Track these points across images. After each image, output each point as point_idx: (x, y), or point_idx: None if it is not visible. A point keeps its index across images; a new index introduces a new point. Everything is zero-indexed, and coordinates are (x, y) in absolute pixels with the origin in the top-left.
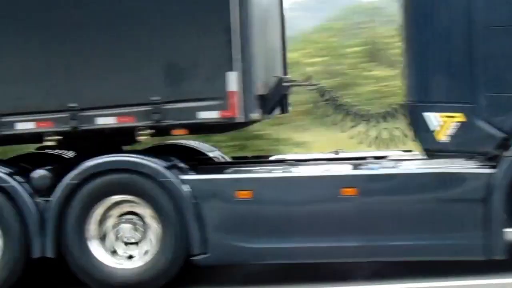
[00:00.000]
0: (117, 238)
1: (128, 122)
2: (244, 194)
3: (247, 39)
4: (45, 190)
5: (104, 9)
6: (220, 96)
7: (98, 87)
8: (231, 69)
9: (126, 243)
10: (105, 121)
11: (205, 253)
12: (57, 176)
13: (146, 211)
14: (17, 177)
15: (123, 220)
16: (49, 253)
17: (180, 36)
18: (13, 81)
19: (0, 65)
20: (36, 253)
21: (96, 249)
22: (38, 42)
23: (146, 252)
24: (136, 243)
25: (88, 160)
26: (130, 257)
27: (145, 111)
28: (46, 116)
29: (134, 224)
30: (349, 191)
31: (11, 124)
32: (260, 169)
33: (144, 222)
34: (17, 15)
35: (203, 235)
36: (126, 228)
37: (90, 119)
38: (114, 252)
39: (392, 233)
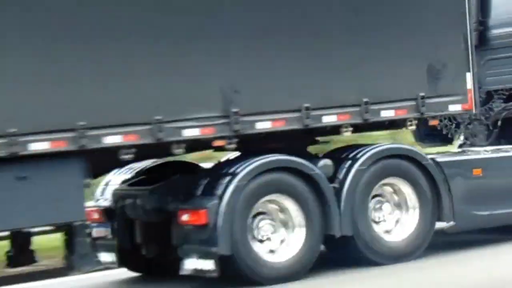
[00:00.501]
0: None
1: (402, 115)
2: (477, 172)
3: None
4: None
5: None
6: (462, 92)
7: (382, 84)
8: (468, 71)
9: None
10: (387, 114)
11: (451, 222)
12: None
13: (407, 189)
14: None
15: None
16: (348, 232)
17: (438, 43)
18: None
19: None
20: (337, 233)
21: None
22: None
23: None
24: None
25: (374, 147)
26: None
27: (415, 104)
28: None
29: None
30: None
31: (318, 118)
32: (487, 150)
33: (404, 199)
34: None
35: (451, 206)
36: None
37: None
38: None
39: None
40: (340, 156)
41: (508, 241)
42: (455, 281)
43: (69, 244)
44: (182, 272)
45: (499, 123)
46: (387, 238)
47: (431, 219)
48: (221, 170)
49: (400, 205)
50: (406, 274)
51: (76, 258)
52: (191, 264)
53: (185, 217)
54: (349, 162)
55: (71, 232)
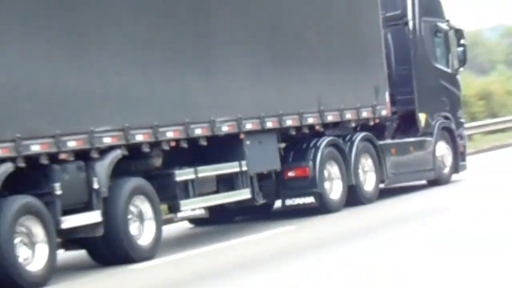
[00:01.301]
0: None
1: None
2: (393, 151)
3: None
4: None
5: None
6: (384, 103)
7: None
8: (387, 90)
9: None
10: (349, 116)
11: (386, 180)
12: None
13: (368, 159)
14: None
15: None
16: None
17: (376, 74)
18: None
19: None
20: None
21: None
22: None
23: None
24: None
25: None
26: None
27: (364, 110)
28: None
29: None
30: None
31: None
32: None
33: None
34: None
35: (386, 170)
36: None
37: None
38: None
39: None
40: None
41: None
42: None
43: None
44: (284, 207)
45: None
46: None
47: (379, 178)
48: (302, 144)
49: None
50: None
51: None
52: (292, 202)
53: (291, 173)
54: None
55: None
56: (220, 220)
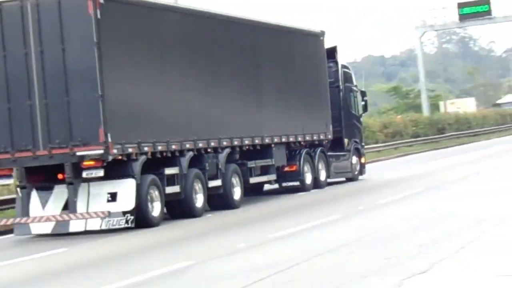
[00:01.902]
0: None
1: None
2: (331, 158)
3: None
4: None
5: None
6: (328, 127)
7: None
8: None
9: None
10: (308, 138)
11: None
12: None
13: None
14: None
15: None
16: None
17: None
18: None
19: None
20: None
21: None
22: None
23: None
24: None
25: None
26: None
27: (317, 133)
28: None
29: None
30: None
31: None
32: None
33: None
34: None
35: (329, 169)
36: None
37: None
38: None
39: None
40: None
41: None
42: None
43: None
44: (281, 187)
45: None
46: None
47: (327, 174)
48: (293, 152)
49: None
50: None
51: None
52: (286, 184)
53: (287, 168)
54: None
55: None
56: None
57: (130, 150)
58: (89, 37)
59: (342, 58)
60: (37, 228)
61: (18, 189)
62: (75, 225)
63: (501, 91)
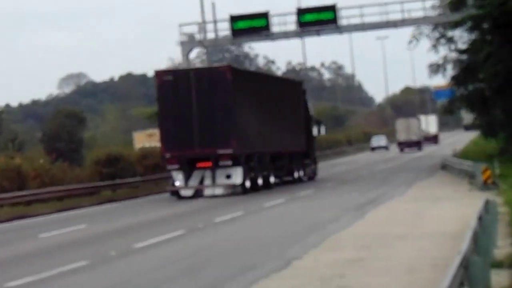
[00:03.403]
0: None
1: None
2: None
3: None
4: None
5: None
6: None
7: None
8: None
9: None
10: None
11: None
12: None
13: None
14: None
15: None
16: None
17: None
18: None
19: None
20: None
21: None
22: None
23: None
24: None
25: None
26: None
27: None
28: None
29: None
30: None
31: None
32: None
33: None
34: None
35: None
36: None
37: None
38: None
39: None
40: None
41: None
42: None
43: None
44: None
45: None
46: None
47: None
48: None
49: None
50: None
51: None
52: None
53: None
54: None
55: None
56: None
57: (242, 151)
58: (227, 89)
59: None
60: (184, 193)
61: (175, 171)
62: (207, 192)
63: None
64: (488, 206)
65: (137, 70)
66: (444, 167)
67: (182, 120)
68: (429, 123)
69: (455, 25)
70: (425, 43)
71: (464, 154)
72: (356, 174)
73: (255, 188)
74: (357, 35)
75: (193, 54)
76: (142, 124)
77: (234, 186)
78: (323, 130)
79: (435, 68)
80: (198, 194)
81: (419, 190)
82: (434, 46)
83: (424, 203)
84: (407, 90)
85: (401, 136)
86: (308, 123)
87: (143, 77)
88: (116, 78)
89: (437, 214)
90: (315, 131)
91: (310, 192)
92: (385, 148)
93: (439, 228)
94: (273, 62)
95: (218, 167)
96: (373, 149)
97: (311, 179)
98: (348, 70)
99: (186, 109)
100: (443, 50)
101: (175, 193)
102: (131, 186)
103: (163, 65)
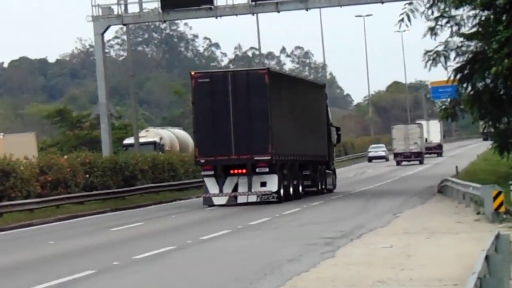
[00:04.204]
0: None
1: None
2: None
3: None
4: None
5: None
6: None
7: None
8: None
9: None
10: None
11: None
12: None
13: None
14: None
15: None
16: None
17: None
18: None
19: None
20: None
21: None
22: None
23: None
24: None
25: None
26: None
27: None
28: None
29: None
30: None
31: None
32: None
33: None
34: None
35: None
36: None
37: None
38: None
39: None
40: None
41: None
42: None
43: None
44: None
45: None
46: None
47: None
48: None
49: None
50: None
51: None
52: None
53: None
54: None
55: None
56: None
57: (280, 158)
58: (264, 93)
59: None
60: (217, 201)
61: (207, 178)
62: (241, 199)
63: None
64: (499, 243)
65: (34, 54)
66: (443, 189)
67: (218, 124)
68: (431, 131)
69: (461, 0)
70: (420, 25)
71: (470, 173)
72: (327, 197)
73: (288, 197)
74: (329, 12)
75: (110, 33)
76: (39, 125)
77: (270, 194)
78: (340, 137)
79: (433, 57)
80: (231, 201)
81: (410, 219)
82: (432, 29)
83: (415, 237)
84: (396, 87)
85: (399, 146)
86: (328, 130)
87: (42, 63)
88: (5, 64)
89: (432, 253)
90: (333, 138)
91: (266, 219)
92: (385, 159)
93: (433, 271)
94: (217, 45)
95: (254, 173)
96: (370, 159)
97: (330, 191)
98: (317, 58)
99: (223, 113)
100: (444, 34)
101: (208, 201)
102: (23, 209)
103: (70, 47)
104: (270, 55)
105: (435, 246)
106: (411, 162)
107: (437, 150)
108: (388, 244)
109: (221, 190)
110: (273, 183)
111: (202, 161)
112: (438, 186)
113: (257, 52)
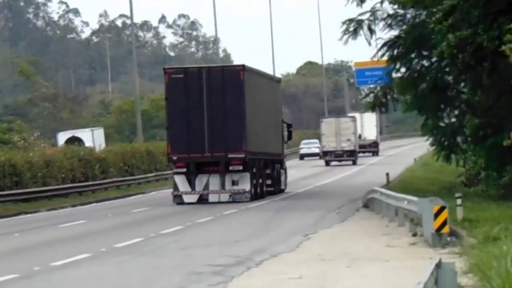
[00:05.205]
0: None
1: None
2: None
3: None
4: None
5: None
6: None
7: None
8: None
9: None
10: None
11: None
12: None
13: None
14: None
15: None
16: None
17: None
18: None
19: None
20: None
21: None
22: None
23: None
24: None
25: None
26: None
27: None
28: None
29: None
30: None
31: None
32: None
33: None
34: None
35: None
36: None
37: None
38: None
39: None
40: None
41: None
42: None
43: None
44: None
45: None
46: None
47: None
48: None
49: None
50: None
51: None
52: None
53: None
54: None
55: None
56: None
57: (251, 156)
58: (239, 90)
59: None
60: (188, 199)
61: (177, 175)
62: (212, 198)
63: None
64: (440, 273)
65: None
66: (370, 202)
67: (192, 121)
68: (366, 125)
69: None
70: None
71: (404, 182)
72: (219, 211)
73: (256, 196)
74: None
75: None
76: None
77: (243, 193)
78: (291, 134)
79: (354, 28)
80: (202, 200)
81: (325, 242)
82: None
83: (332, 265)
84: (309, 69)
85: (329, 144)
86: (282, 127)
87: None
88: None
89: (354, 286)
90: (285, 135)
91: (138, 240)
92: (319, 156)
93: None
94: (76, 12)
95: (227, 172)
96: (302, 157)
97: (282, 191)
98: (207, 31)
99: (197, 109)
100: (371, 1)
101: (179, 198)
102: None
103: None
104: (145, 26)
105: (358, 277)
106: (343, 162)
107: (372, 148)
108: (296, 274)
109: (193, 188)
110: (245, 182)
111: (175, 158)
112: (364, 199)
113: (128, 21)
